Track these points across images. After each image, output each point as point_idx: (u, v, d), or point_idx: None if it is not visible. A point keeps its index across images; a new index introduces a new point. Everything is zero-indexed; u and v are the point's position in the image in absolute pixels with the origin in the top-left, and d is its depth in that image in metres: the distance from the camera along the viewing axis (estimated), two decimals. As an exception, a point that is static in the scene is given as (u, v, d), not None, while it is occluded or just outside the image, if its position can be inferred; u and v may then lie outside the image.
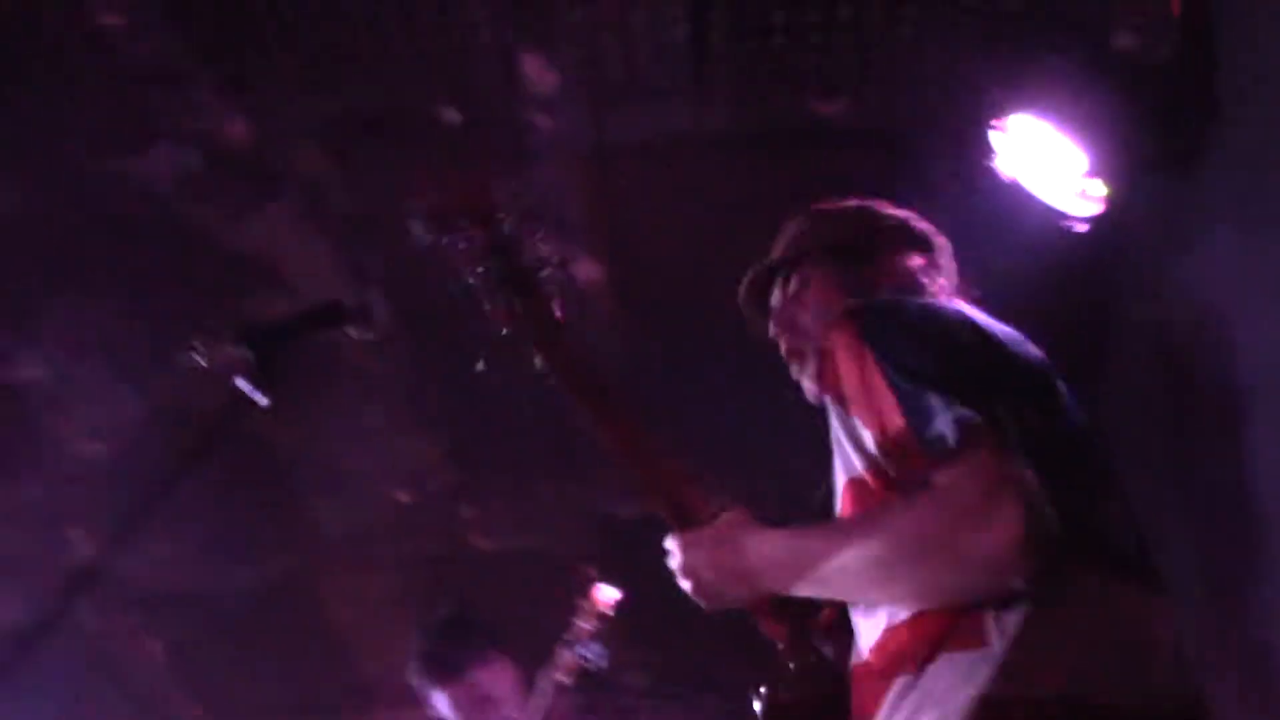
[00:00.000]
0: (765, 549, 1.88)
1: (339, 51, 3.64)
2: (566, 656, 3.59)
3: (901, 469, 1.76)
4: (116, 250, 4.22)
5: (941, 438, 1.68)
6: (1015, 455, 1.66)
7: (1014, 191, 3.43)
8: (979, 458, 1.66)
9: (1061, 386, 1.90)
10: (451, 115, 3.82)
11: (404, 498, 5.58)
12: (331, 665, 6.21)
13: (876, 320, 1.91)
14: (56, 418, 4.88)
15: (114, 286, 4.32)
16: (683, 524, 1.99)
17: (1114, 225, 3.46)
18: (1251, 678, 3.36)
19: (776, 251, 2.34)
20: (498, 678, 3.65)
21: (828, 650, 2.00)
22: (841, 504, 1.92)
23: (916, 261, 2.21)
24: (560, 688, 3.58)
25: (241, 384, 1.90)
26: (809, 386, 2.22)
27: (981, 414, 1.69)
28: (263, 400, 1.91)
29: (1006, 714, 1.60)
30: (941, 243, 2.28)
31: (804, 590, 1.86)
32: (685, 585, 1.96)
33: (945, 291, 2.19)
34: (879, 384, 1.78)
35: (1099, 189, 3.35)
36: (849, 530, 1.84)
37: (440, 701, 3.65)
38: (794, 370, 2.27)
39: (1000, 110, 3.36)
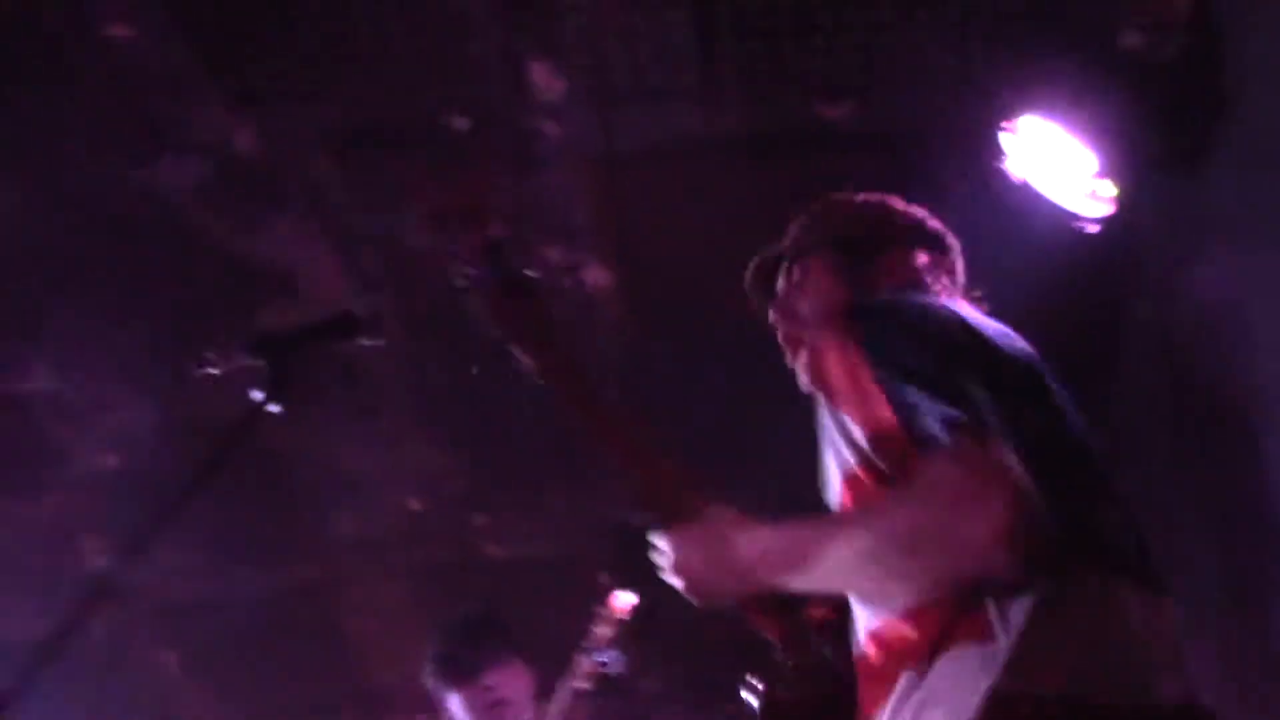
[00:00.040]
0: (756, 544, 1.89)
1: (345, 61, 3.64)
2: (585, 662, 3.60)
3: (894, 464, 1.77)
4: (129, 262, 4.23)
5: (931, 433, 1.70)
6: (1004, 449, 1.67)
7: (1024, 193, 3.43)
8: (968, 451, 1.67)
9: (1055, 385, 1.91)
10: (459, 122, 3.83)
11: (416, 506, 5.60)
12: (345, 672, 6.23)
13: (867, 319, 1.93)
14: (70, 429, 4.90)
15: (126, 298, 4.33)
16: (672, 521, 2.00)
17: (1123, 225, 3.46)
18: (1271, 683, 3.35)
19: (786, 239, 2.36)
20: (513, 681, 3.65)
21: (826, 649, 2.00)
22: (841, 501, 1.92)
23: (922, 260, 2.22)
24: (578, 693, 3.59)
25: (254, 393, 1.91)
26: (802, 376, 2.23)
27: (970, 411, 1.71)
28: (275, 409, 1.91)
29: (1014, 711, 1.60)
30: (952, 243, 2.28)
31: (797, 585, 1.86)
32: (677, 583, 1.97)
33: (948, 291, 2.19)
34: (869, 382, 1.79)
35: (1108, 189, 3.34)
36: (840, 523, 1.86)
37: (454, 703, 3.66)
38: (789, 357, 2.28)
39: (1009, 112, 3.36)
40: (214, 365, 1.96)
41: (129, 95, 3.71)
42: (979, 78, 3.58)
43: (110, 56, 3.56)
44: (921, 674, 1.70)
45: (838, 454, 1.89)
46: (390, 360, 4.68)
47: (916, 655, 1.71)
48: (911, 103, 3.77)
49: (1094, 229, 3.41)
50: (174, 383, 4.32)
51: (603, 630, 3.62)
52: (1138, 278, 4.04)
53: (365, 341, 2.08)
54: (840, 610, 1.97)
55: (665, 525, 2.00)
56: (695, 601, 1.97)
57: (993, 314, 2.07)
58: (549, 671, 3.72)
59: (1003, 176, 3.45)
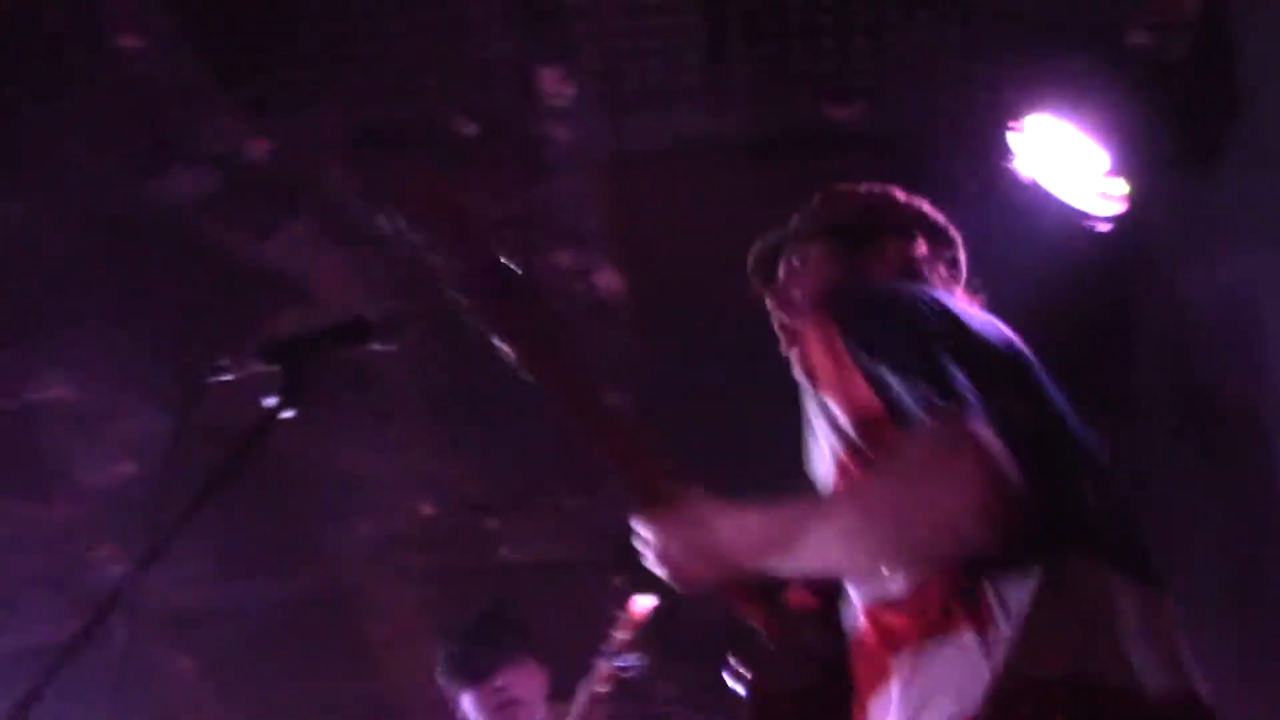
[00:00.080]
0: (739, 529, 1.89)
1: (354, 66, 3.66)
2: (604, 667, 3.59)
3: (877, 446, 1.77)
4: (142, 270, 4.25)
5: (909, 410, 1.71)
6: (982, 425, 1.67)
7: (1034, 192, 3.43)
8: (944, 425, 1.68)
9: (1038, 375, 1.90)
10: (469, 127, 3.84)
11: (430, 510, 5.60)
12: (359, 678, 6.23)
13: (847, 302, 1.94)
14: (85, 437, 4.92)
15: (138, 305, 4.35)
16: (655, 509, 2.00)
17: (1134, 224, 3.46)
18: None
19: (789, 228, 2.37)
20: (525, 681, 3.66)
21: (813, 636, 2.00)
22: (833, 490, 1.93)
23: (921, 250, 2.22)
24: (596, 698, 3.58)
25: (268, 399, 1.91)
26: (795, 364, 2.23)
27: (947, 388, 1.71)
28: (289, 414, 1.92)
29: (1019, 697, 1.59)
30: (953, 235, 2.29)
31: (780, 566, 1.85)
32: (661, 571, 1.97)
33: (945, 282, 2.19)
34: (849, 364, 1.80)
35: (1119, 188, 3.34)
36: (820, 503, 1.87)
37: (466, 703, 3.66)
38: (784, 346, 2.28)
39: (1018, 111, 3.36)
40: (228, 371, 1.97)
41: (138, 106, 3.73)
42: (988, 77, 3.58)
43: (119, 67, 3.58)
44: (921, 659, 1.69)
45: (824, 440, 1.89)
46: (402, 365, 4.69)
47: (914, 639, 1.70)
48: (920, 103, 3.77)
49: (1104, 228, 3.41)
50: (187, 389, 4.34)
51: (622, 635, 3.61)
52: (1148, 276, 4.03)
53: (378, 346, 2.08)
54: (827, 597, 1.96)
55: (648, 513, 2.00)
56: (680, 589, 1.97)
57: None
58: (564, 675, 3.72)
59: (1012, 176, 3.45)
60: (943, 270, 2.21)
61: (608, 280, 4.50)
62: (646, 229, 4.32)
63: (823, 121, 3.85)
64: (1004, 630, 1.63)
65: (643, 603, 3.62)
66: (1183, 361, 3.91)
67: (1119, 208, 3.38)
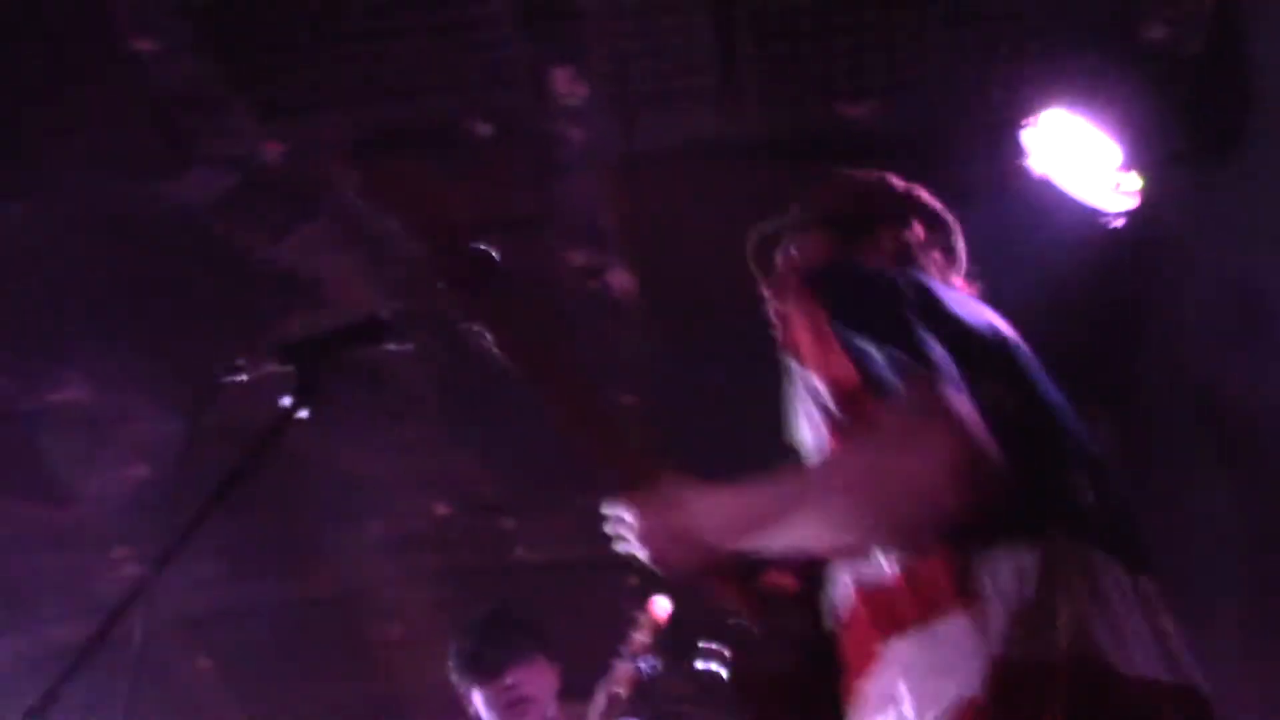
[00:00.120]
0: (718, 509, 1.90)
1: (367, 69, 3.66)
2: (622, 668, 3.58)
3: (857, 420, 1.78)
4: (154, 273, 4.27)
5: (884, 379, 1.71)
6: (957, 396, 1.67)
7: (1047, 188, 3.42)
8: (916, 393, 1.68)
9: (1028, 366, 1.90)
10: (482, 128, 3.84)
11: (444, 510, 5.61)
12: (373, 677, 6.24)
13: (829, 280, 1.94)
14: (101, 439, 4.94)
15: (152, 308, 4.36)
16: (633, 492, 2.01)
17: (1148, 219, 3.45)
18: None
19: (788, 216, 2.38)
20: (535, 679, 3.66)
21: (794, 618, 1.99)
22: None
23: (916, 236, 2.22)
24: (614, 699, 3.57)
25: (283, 399, 1.92)
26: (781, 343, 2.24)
27: (923, 358, 1.72)
28: (304, 414, 1.93)
29: (1017, 676, 1.59)
30: (950, 222, 2.29)
31: (759, 544, 1.85)
32: (642, 554, 1.98)
33: (940, 268, 2.19)
34: (831, 340, 1.81)
35: (1133, 183, 3.33)
36: (797, 478, 1.86)
37: (477, 700, 3.67)
38: (779, 334, 2.28)
39: (1032, 107, 3.35)
40: (243, 372, 1.98)
41: (154, 110, 3.74)
42: (1001, 74, 3.57)
43: (136, 72, 3.59)
44: (916, 640, 1.68)
45: (809, 418, 1.89)
46: (416, 364, 4.70)
47: (908, 620, 1.69)
48: (932, 101, 3.76)
49: (1118, 223, 3.40)
50: (203, 391, 4.35)
51: (640, 637, 3.60)
52: (1161, 271, 4.02)
53: (392, 346, 2.09)
54: (806, 579, 1.96)
55: (627, 496, 2.01)
56: (660, 572, 1.98)
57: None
58: (579, 674, 3.71)
59: (1025, 172, 3.44)
60: (938, 257, 2.21)
61: (620, 280, 4.50)
62: (658, 229, 4.32)
63: (834, 121, 3.84)
64: (997, 610, 1.62)
65: (662, 604, 3.60)
66: (1195, 356, 3.90)
67: (1132, 203, 3.37)
